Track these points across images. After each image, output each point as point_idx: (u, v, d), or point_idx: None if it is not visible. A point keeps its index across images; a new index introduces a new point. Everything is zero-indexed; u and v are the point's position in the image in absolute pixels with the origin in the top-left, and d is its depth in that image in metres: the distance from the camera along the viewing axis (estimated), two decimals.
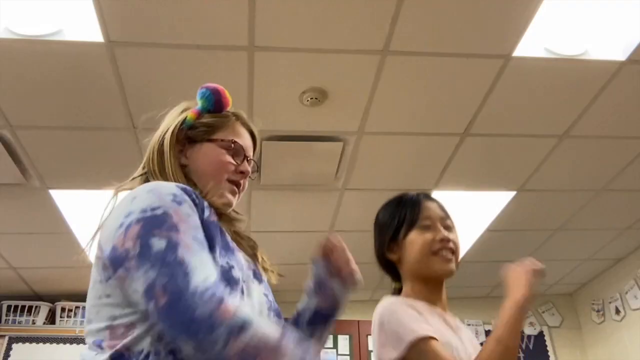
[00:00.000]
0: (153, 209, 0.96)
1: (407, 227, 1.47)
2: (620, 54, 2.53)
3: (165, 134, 1.24)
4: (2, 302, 4.47)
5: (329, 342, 4.74)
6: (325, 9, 2.23)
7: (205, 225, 1.02)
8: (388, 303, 1.40)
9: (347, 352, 4.73)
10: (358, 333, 4.80)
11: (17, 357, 4.22)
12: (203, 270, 0.91)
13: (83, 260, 1.36)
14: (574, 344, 5.09)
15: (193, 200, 1.02)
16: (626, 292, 4.58)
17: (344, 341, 4.77)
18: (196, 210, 1.01)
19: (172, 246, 0.92)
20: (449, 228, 1.49)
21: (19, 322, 4.40)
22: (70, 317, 4.47)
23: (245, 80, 2.56)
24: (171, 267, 0.89)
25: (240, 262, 1.09)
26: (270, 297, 1.17)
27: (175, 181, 1.12)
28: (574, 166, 3.33)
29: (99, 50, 2.35)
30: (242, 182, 1.24)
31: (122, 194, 1.11)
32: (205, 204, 1.08)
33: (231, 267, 1.03)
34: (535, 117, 2.91)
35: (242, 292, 1.03)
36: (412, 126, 2.94)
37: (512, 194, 3.58)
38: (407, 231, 1.47)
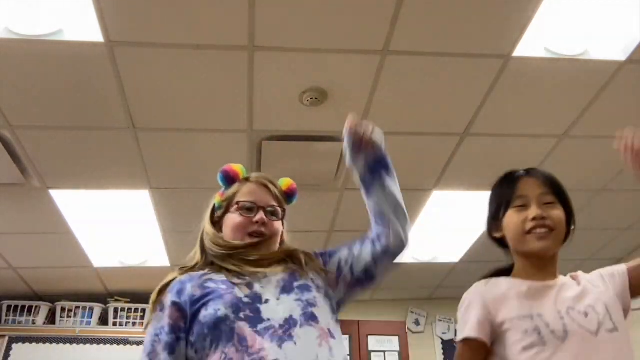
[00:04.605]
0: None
1: (504, 208, 1.52)
2: (620, 54, 2.53)
3: (204, 224, 1.53)
4: (2, 302, 4.47)
5: None
6: (325, 9, 2.23)
7: (182, 304, 1.33)
8: (474, 288, 1.50)
9: (347, 352, 4.73)
10: (358, 333, 4.80)
11: (17, 357, 4.23)
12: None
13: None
14: None
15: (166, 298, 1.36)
16: None
17: (344, 341, 4.77)
18: (166, 306, 1.34)
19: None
20: (548, 204, 1.49)
21: (19, 322, 4.40)
22: (70, 317, 4.47)
23: (245, 80, 2.56)
24: None
25: (229, 298, 1.31)
26: (304, 299, 1.35)
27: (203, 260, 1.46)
28: (574, 166, 3.33)
29: (99, 50, 2.35)
30: (262, 230, 1.46)
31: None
32: (188, 287, 1.35)
33: (217, 310, 1.29)
34: (535, 117, 2.91)
35: (236, 315, 1.28)
36: (412, 126, 2.94)
37: None
38: (504, 212, 1.52)
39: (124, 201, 3.42)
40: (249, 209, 1.47)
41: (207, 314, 1.28)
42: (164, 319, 1.32)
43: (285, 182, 1.60)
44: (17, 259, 4.06)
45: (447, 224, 3.95)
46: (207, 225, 1.51)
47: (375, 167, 1.53)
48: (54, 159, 3.01)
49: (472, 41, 2.42)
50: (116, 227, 3.76)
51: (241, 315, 1.27)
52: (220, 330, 1.26)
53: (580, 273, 1.52)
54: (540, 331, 1.35)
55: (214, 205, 1.55)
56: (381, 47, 2.42)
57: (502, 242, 1.57)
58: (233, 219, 1.47)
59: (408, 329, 5.04)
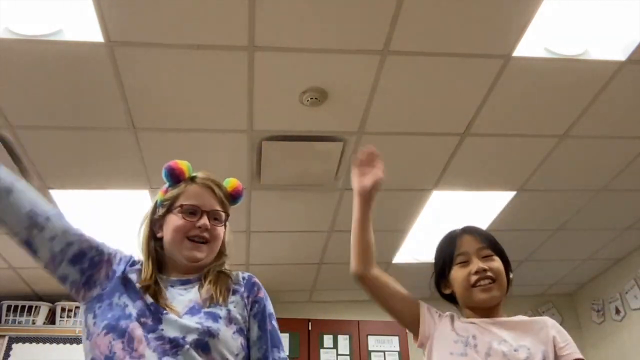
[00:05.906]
0: None
1: (448, 266, 1.63)
2: (620, 54, 2.53)
3: (144, 219, 1.54)
4: (2, 302, 4.47)
5: (329, 342, 4.74)
6: (325, 9, 2.23)
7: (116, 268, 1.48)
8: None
9: (347, 352, 4.73)
10: (358, 333, 4.80)
11: (17, 357, 4.22)
12: None
13: None
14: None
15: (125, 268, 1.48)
16: (626, 292, 4.58)
17: (344, 341, 4.76)
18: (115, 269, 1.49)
19: None
20: (486, 257, 1.59)
21: (19, 322, 4.39)
22: (70, 317, 4.47)
23: (245, 80, 2.56)
24: None
25: (140, 305, 1.34)
26: (206, 325, 1.30)
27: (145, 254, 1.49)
28: (574, 166, 3.33)
29: (99, 50, 2.35)
30: (204, 235, 1.43)
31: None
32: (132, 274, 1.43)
33: (126, 305, 1.34)
34: (535, 117, 2.91)
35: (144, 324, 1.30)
36: (412, 126, 2.94)
37: (512, 194, 3.58)
38: (449, 269, 1.63)
39: (124, 201, 3.42)
40: (192, 213, 1.44)
41: (115, 313, 1.32)
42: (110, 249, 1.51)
43: (231, 183, 1.55)
44: (17, 259, 4.06)
45: (447, 224, 3.95)
46: (145, 227, 1.51)
47: None
48: (54, 159, 3.01)
49: (472, 41, 2.42)
50: (116, 227, 3.76)
51: (142, 320, 1.29)
52: (118, 324, 1.29)
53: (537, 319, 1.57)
54: (467, 344, 1.47)
55: (156, 202, 1.51)
56: (381, 47, 2.42)
57: (451, 298, 1.66)
58: (175, 220, 1.44)
59: None
